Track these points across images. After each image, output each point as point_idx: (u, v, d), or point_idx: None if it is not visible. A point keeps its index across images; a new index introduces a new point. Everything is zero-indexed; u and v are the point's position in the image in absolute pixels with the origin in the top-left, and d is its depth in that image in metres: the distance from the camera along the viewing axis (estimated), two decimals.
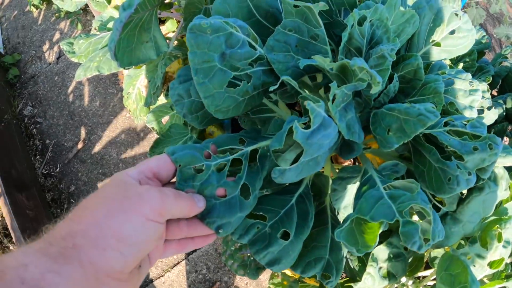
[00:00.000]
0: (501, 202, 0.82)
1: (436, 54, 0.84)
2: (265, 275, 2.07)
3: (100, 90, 2.79)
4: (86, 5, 3.19)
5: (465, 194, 0.72)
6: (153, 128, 1.74)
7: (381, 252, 0.76)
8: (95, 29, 1.83)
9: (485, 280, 0.83)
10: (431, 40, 0.83)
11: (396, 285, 1.09)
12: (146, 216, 0.45)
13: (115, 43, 0.96)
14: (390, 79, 0.69)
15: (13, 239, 1.82)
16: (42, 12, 3.32)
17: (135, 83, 1.91)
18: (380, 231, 0.53)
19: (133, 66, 1.28)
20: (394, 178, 0.68)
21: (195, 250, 2.17)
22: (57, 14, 3.19)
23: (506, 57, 1.47)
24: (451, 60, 1.28)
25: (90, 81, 2.83)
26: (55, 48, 3.05)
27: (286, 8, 0.66)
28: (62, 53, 2.99)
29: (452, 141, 0.61)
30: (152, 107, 1.77)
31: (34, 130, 2.68)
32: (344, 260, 0.70)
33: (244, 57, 0.61)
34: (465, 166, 0.60)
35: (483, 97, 0.84)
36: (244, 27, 0.63)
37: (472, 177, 0.61)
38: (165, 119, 1.77)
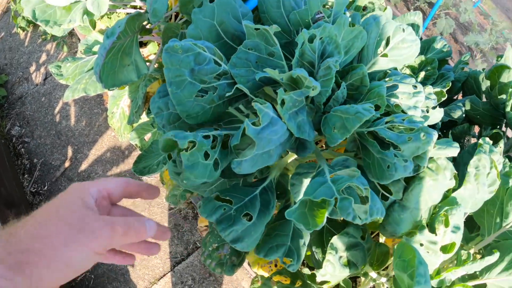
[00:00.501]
0: (450, 191, 0.92)
1: (385, 64, 0.97)
2: (248, 282, 2.14)
3: (86, 110, 2.88)
4: (72, 28, 3.32)
5: (409, 183, 0.83)
6: (136, 145, 1.84)
7: (339, 241, 0.86)
8: (81, 52, 1.95)
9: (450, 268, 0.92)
10: (379, 52, 0.96)
11: (363, 278, 1.19)
12: (94, 250, 0.55)
13: (100, 67, 1.08)
14: (339, 86, 0.81)
15: None
16: (29, 34, 3.43)
17: (119, 103, 2.02)
18: (327, 213, 0.64)
19: (117, 88, 1.40)
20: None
21: (181, 262, 2.24)
22: (43, 36, 3.30)
23: (467, 63, 1.60)
24: (412, 69, 1.42)
25: (76, 102, 2.92)
26: (42, 70, 3.16)
27: (248, 31, 0.79)
28: (48, 75, 3.10)
29: (390, 134, 0.73)
30: (135, 125, 1.88)
31: (22, 149, 2.75)
32: (305, 247, 0.81)
33: (210, 72, 0.73)
34: (402, 154, 0.72)
35: (428, 98, 0.96)
36: (210, 47, 0.75)
37: (409, 163, 0.72)
38: (148, 136, 1.88)
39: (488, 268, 0.91)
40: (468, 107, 1.33)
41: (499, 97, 1.18)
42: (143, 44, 2.17)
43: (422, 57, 1.43)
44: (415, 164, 0.75)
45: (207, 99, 0.72)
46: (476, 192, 0.83)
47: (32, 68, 3.20)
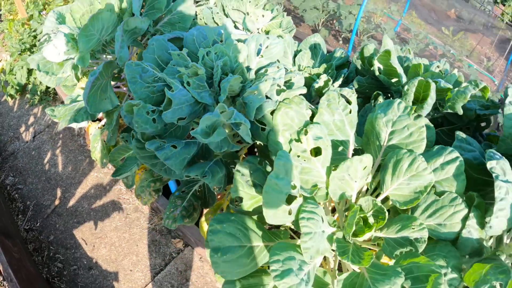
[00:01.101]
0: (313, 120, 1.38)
1: (264, 61, 1.53)
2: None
3: (71, 158, 3.42)
4: (55, 93, 3.96)
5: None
6: (114, 166, 2.36)
7: (243, 167, 1.34)
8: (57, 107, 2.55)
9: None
10: (259, 56, 1.54)
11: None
12: None
13: (86, 96, 1.67)
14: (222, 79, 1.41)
15: (1, 270, 2.31)
16: (17, 102, 4.05)
17: (99, 138, 2.57)
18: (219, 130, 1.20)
19: (98, 113, 1.98)
20: None
21: (160, 272, 2.66)
22: (30, 102, 3.91)
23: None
24: (318, 74, 1.97)
25: (62, 152, 3.46)
26: (31, 130, 3.73)
27: (173, 55, 1.41)
28: (37, 133, 3.66)
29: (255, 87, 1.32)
30: (112, 149, 2.42)
31: (16, 195, 3.22)
32: (219, 172, 1.35)
33: (151, 76, 1.33)
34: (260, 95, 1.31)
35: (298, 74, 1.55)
36: (151, 65, 1.36)
37: (269, 101, 1.30)
38: (123, 158, 2.42)
39: (383, 182, 1.32)
40: (356, 85, 1.89)
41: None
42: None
43: (325, 65, 2.05)
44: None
45: (150, 91, 1.31)
46: (332, 115, 1.32)
47: (22, 129, 3.77)
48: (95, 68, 1.88)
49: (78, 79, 2.46)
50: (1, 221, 2.76)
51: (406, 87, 1.43)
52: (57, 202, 3.12)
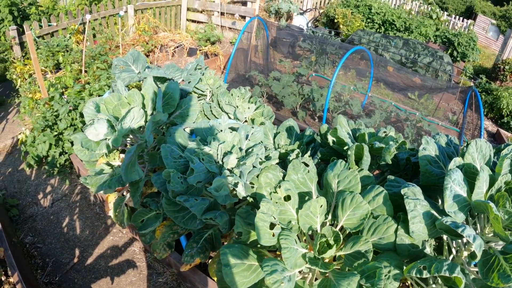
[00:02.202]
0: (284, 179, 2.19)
1: (251, 143, 2.33)
2: None
3: (88, 224, 4.06)
4: (71, 167, 4.68)
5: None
6: (135, 226, 3.02)
7: (241, 213, 2.09)
8: (90, 176, 3.27)
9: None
10: (247, 139, 2.33)
11: None
12: None
13: (124, 169, 2.40)
14: None
15: None
16: (34, 171, 4.74)
17: (122, 204, 3.26)
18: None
19: (129, 181, 2.71)
20: None
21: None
22: (48, 173, 4.61)
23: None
24: (293, 150, 2.79)
25: (79, 218, 4.11)
26: (49, 197, 4.39)
27: (190, 141, 2.17)
28: (55, 200, 4.33)
29: None
30: (132, 214, 3.10)
31: (35, 252, 3.79)
32: (224, 217, 2.05)
33: (176, 154, 2.07)
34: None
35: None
36: (175, 147, 2.11)
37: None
38: (142, 220, 3.09)
39: (338, 216, 2.07)
40: (319, 155, 2.67)
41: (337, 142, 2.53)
42: None
43: (298, 142, 2.84)
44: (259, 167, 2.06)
45: (177, 164, 2.05)
46: (296, 175, 2.06)
47: (40, 196, 4.44)
48: (126, 148, 2.65)
49: (107, 155, 3.23)
50: (23, 272, 3.31)
51: (348, 152, 2.21)
52: (75, 260, 3.70)
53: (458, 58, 10.52)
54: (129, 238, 3.89)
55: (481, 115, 4.88)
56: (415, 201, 1.95)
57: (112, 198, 3.49)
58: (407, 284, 2.49)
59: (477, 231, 2.20)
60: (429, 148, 2.31)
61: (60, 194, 4.48)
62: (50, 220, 4.11)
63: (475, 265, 2.16)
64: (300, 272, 2.19)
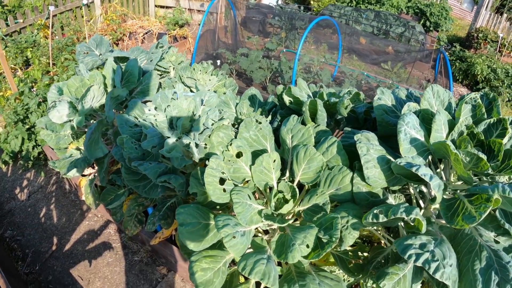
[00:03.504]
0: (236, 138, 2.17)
1: (207, 108, 2.31)
2: None
3: (64, 211, 4.02)
4: (45, 159, 4.62)
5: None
6: (104, 204, 2.99)
7: (195, 174, 2.07)
8: (58, 160, 3.22)
9: None
10: (203, 105, 2.31)
11: None
12: None
13: (87, 144, 2.37)
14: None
15: None
16: (10, 168, 4.67)
17: (91, 185, 3.23)
18: None
19: (93, 158, 2.66)
20: None
21: None
22: (23, 167, 4.54)
23: None
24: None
25: (56, 207, 4.07)
26: (25, 191, 4.34)
27: (146, 110, 2.13)
28: (31, 193, 4.27)
29: None
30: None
31: (15, 245, 3.76)
32: (179, 179, 2.03)
33: (131, 123, 2.04)
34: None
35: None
36: (131, 117, 2.08)
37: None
38: (111, 198, 3.06)
39: (294, 171, 2.09)
40: (279, 117, 2.64)
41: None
42: None
43: (260, 109, 2.81)
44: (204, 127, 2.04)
45: (133, 132, 2.02)
46: (248, 132, 2.04)
47: (17, 191, 4.38)
48: (91, 125, 2.61)
49: (74, 138, 3.18)
50: (4, 264, 3.28)
51: (303, 108, 2.19)
52: (54, 248, 3.67)
53: (431, 28, 10.57)
54: (104, 221, 3.88)
55: (449, 73, 4.90)
56: (368, 145, 1.90)
57: (84, 182, 3.46)
58: (382, 243, 2.45)
59: (443, 180, 2.11)
60: (384, 98, 2.27)
61: (36, 186, 4.43)
62: (28, 213, 4.06)
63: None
64: (262, 232, 2.19)
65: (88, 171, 3.63)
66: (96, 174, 3.38)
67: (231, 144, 1.91)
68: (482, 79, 8.60)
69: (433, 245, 1.66)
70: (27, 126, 4.63)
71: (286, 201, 1.96)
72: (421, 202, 2.18)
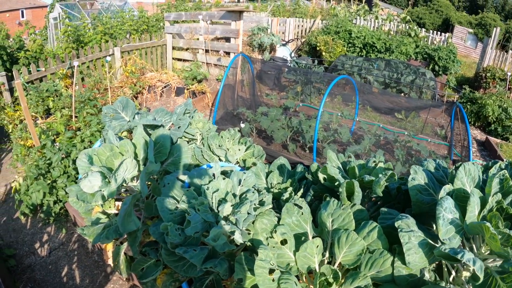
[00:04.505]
0: (280, 224, 2.23)
1: (244, 188, 2.38)
2: None
3: (87, 272, 4.03)
4: (66, 215, 4.66)
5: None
6: (135, 274, 3.02)
7: (240, 259, 2.11)
8: (86, 225, 3.27)
9: None
10: (240, 185, 2.38)
11: None
12: None
13: (121, 220, 2.42)
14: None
15: None
16: (29, 220, 4.71)
17: (121, 253, 3.26)
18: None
19: (126, 232, 2.71)
20: None
21: None
22: (43, 221, 4.58)
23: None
24: (285, 187, 2.83)
25: (78, 267, 4.08)
26: (46, 246, 4.36)
27: (185, 192, 2.21)
28: (53, 249, 4.29)
29: None
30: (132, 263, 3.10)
31: None
32: (223, 264, 2.07)
33: (171, 205, 2.11)
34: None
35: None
36: (170, 198, 2.15)
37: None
38: (142, 268, 3.08)
39: (335, 254, 2.12)
40: (312, 192, 2.71)
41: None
42: None
43: (290, 180, 2.89)
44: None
45: (173, 216, 2.08)
46: (290, 218, 2.11)
47: (37, 245, 4.40)
48: (120, 196, 2.68)
49: (102, 205, 3.25)
50: None
51: (340, 189, 2.26)
52: None
53: (440, 72, 10.79)
54: (129, 286, 3.86)
55: (467, 129, 4.99)
56: (409, 233, 2.00)
57: (110, 246, 3.48)
58: None
59: (474, 251, 2.24)
60: (417, 178, 2.37)
61: (57, 242, 4.45)
62: (48, 270, 4.07)
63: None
64: None
65: None
66: (123, 241, 3.43)
67: (275, 232, 1.98)
68: (494, 120, 8.68)
69: None
70: (49, 181, 4.69)
71: (329, 284, 1.99)
72: (452, 270, 2.29)
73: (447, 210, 2.07)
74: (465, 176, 2.33)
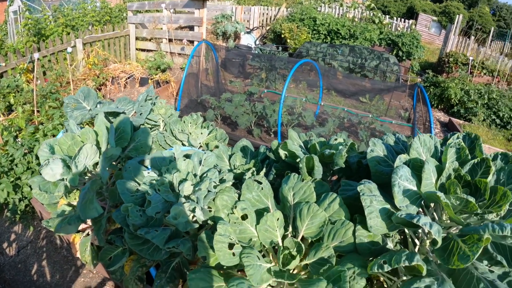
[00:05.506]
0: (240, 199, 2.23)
1: (205, 168, 2.37)
2: None
3: (57, 268, 3.93)
4: (33, 212, 4.53)
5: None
6: (103, 264, 2.96)
7: (202, 237, 2.11)
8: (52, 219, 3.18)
9: None
10: (201, 165, 2.37)
11: None
12: None
13: (80, 205, 2.37)
14: None
15: None
16: None
17: (87, 244, 3.19)
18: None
19: (88, 219, 2.65)
20: None
21: None
22: (10, 220, 4.43)
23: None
24: (247, 168, 2.84)
25: (48, 263, 3.97)
26: (14, 245, 4.23)
27: (145, 174, 2.17)
28: (21, 248, 4.16)
29: None
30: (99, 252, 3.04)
31: None
32: (186, 244, 2.06)
33: (132, 188, 2.07)
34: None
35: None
36: (130, 181, 2.11)
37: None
38: (109, 257, 3.03)
39: (298, 227, 2.15)
40: (275, 170, 2.71)
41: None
42: None
43: (253, 161, 2.89)
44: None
45: (134, 197, 2.05)
46: (250, 193, 2.12)
47: (5, 245, 4.26)
48: (73, 198, 2.63)
49: (66, 196, 3.16)
50: None
51: (300, 164, 2.28)
52: None
53: (404, 57, 11.04)
54: (100, 278, 3.80)
55: (428, 108, 5.13)
56: (371, 197, 2.02)
57: (77, 239, 3.41)
58: (381, 280, 2.54)
59: (436, 220, 2.25)
60: (376, 149, 2.40)
61: (25, 241, 4.32)
62: (18, 269, 3.95)
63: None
64: (270, 286, 2.22)
65: (81, 227, 3.59)
66: (90, 232, 3.35)
67: (236, 207, 1.97)
68: (457, 102, 8.97)
69: (436, 286, 1.80)
70: (12, 178, 4.53)
71: (293, 257, 2.01)
72: (416, 240, 2.28)
73: (402, 178, 2.08)
74: (420, 147, 2.36)
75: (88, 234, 3.38)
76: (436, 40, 18.93)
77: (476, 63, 10.87)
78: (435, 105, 9.26)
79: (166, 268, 2.34)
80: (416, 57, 11.32)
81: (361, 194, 2.02)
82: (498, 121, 8.48)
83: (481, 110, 8.56)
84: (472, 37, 12.80)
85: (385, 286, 2.43)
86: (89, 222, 3.28)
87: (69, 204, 3.30)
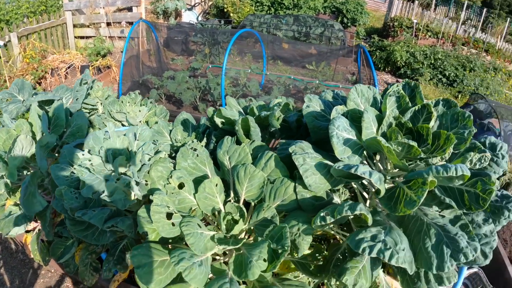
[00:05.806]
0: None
1: (141, 143, 2.30)
2: None
3: (15, 273, 3.78)
4: None
5: None
6: (54, 259, 2.85)
7: (142, 212, 2.05)
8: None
9: None
10: (137, 140, 2.30)
11: None
12: None
13: (22, 200, 2.25)
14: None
15: None
16: None
17: (37, 241, 3.06)
18: None
19: (33, 213, 2.52)
20: None
21: None
22: None
23: None
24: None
25: (5, 270, 3.82)
26: None
27: (80, 155, 2.08)
28: None
29: None
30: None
31: None
32: (126, 221, 2.00)
33: (67, 172, 1.98)
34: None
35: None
36: (66, 164, 2.01)
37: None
38: (61, 251, 2.92)
39: (238, 191, 2.12)
40: (214, 138, 2.66)
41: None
42: None
43: (194, 133, 2.83)
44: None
45: (69, 181, 1.96)
46: (186, 161, 2.07)
47: None
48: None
49: (9, 194, 3.01)
50: None
51: (236, 127, 2.24)
52: None
53: (349, 24, 11.16)
54: (59, 275, 3.70)
55: (372, 68, 5.22)
56: (303, 155, 1.94)
57: (29, 239, 3.27)
58: (337, 238, 2.51)
59: (382, 170, 2.19)
60: (312, 105, 2.34)
61: None
62: None
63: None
64: (221, 254, 2.20)
65: (31, 226, 3.43)
66: (40, 229, 3.22)
67: (171, 177, 1.92)
68: (403, 64, 9.22)
69: (384, 234, 1.74)
70: None
71: (236, 222, 2.00)
72: (365, 194, 2.25)
73: (340, 128, 1.99)
74: (358, 97, 2.27)
75: (39, 232, 3.25)
76: (382, 7, 19.25)
77: (421, 26, 11.17)
78: (382, 68, 9.47)
79: (114, 251, 2.28)
80: (361, 23, 11.48)
81: (293, 154, 1.94)
82: (444, 80, 8.82)
83: (427, 70, 8.84)
84: (416, 2, 13.11)
85: (342, 243, 2.40)
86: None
87: (15, 204, 3.14)
